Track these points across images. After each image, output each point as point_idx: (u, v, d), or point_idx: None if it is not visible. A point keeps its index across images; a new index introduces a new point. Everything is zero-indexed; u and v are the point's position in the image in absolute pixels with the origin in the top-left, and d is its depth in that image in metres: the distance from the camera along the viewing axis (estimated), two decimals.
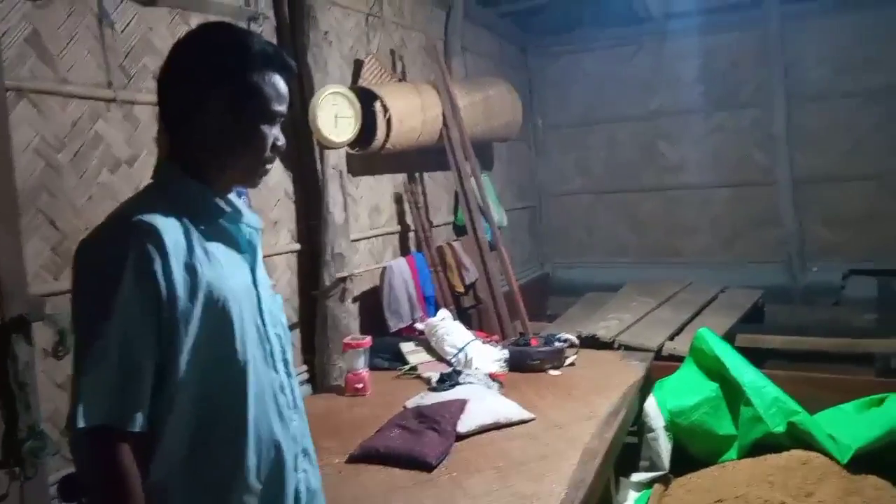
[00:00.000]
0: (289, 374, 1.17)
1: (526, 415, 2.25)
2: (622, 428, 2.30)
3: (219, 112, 1.06)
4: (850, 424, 2.44)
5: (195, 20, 2.34)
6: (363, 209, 3.31)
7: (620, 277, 5.15)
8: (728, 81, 5.35)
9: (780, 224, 5.28)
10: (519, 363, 2.79)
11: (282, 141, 1.12)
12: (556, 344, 2.88)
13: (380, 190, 3.45)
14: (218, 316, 1.03)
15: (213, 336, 1.03)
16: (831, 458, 2.33)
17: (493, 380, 2.57)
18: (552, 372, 2.74)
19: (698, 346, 2.80)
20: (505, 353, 2.84)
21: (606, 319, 3.74)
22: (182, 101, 1.07)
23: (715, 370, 2.73)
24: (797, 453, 2.40)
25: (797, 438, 2.43)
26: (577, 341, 2.96)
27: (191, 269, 1.01)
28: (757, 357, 3.09)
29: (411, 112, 3.23)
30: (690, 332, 3.47)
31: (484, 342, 2.97)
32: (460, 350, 2.84)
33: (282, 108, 1.10)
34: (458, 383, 2.48)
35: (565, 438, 2.09)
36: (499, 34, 5.14)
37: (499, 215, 4.11)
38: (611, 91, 5.54)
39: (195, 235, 1.04)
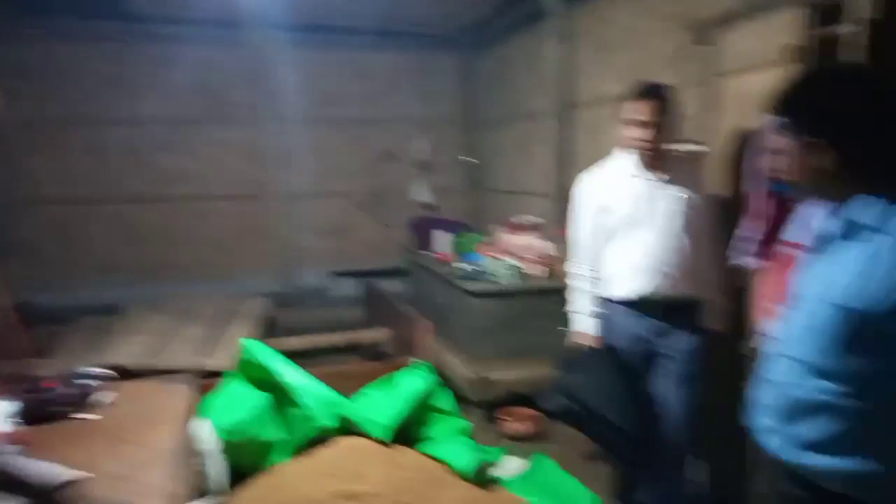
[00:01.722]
0: None
1: (75, 475, 1.82)
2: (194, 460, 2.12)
3: None
4: (381, 405, 2.83)
5: None
6: None
7: (119, 297, 4.68)
8: (223, 96, 5.46)
9: (274, 235, 5.70)
10: (38, 414, 2.24)
11: None
12: (84, 381, 2.43)
13: None
14: None
15: None
16: (373, 439, 2.67)
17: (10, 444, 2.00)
18: (87, 416, 2.30)
19: (245, 358, 2.79)
20: (16, 406, 2.23)
21: (125, 345, 3.35)
22: None
23: (264, 379, 2.77)
24: (345, 441, 2.65)
25: (345, 429, 2.68)
26: (111, 374, 2.56)
27: None
28: None
29: None
30: (224, 345, 3.43)
31: None
32: None
33: None
34: None
35: (141, 490, 1.79)
36: None
37: None
38: (97, 90, 4.97)
39: None
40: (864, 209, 1.20)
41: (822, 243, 1.29)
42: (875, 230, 1.17)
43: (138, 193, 5.23)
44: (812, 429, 1.25)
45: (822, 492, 1.25)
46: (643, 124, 2.34)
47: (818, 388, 1.23)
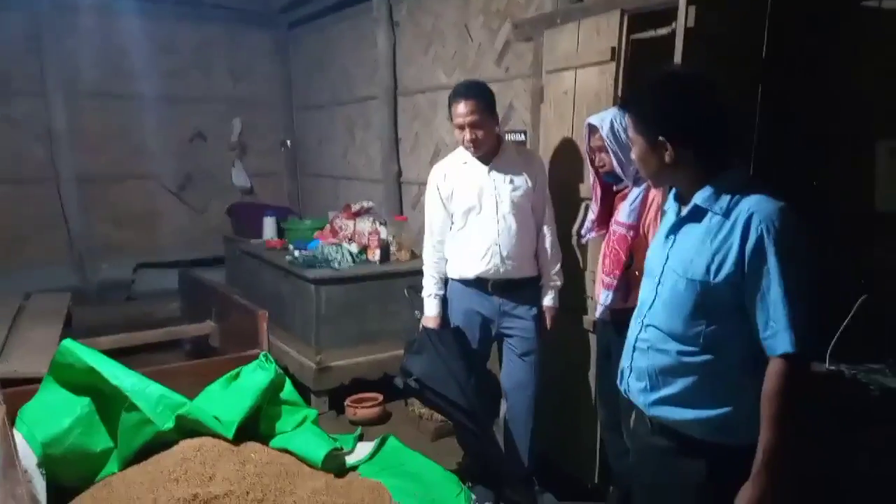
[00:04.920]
0: None
1: None
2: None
3: None
4: (224, 402, 2.65)
5: None
6: None
7: None
8: None
9: (66, 223, 5.04)
10: None
11: None
12: None
13: None
14: None
15: None
16: (219, 437, 2.49)
17: None
18: None
19: (63, 361, 2.44)
20: None
21: None
22: None
23: (86, 383, 2.45)
24: (189, 443, 2.43)
25: (186, 430, 2.47)
26: None
27: None
28: None
29: None
30: (20, 347, 3.00)
31: None
32: None
33: None
34: None
35: None
36: None
37: None
38: None
39: None
40: (704, 194, 1.40)
41: (675, 225, 1.48)
42: (711, 212, 1.38)
43: None
44: (674, 387, 1.44)
45: (685, 439, 1.44)
46: (460, 126, 2.51)
47: (679, 352, 1.42)
